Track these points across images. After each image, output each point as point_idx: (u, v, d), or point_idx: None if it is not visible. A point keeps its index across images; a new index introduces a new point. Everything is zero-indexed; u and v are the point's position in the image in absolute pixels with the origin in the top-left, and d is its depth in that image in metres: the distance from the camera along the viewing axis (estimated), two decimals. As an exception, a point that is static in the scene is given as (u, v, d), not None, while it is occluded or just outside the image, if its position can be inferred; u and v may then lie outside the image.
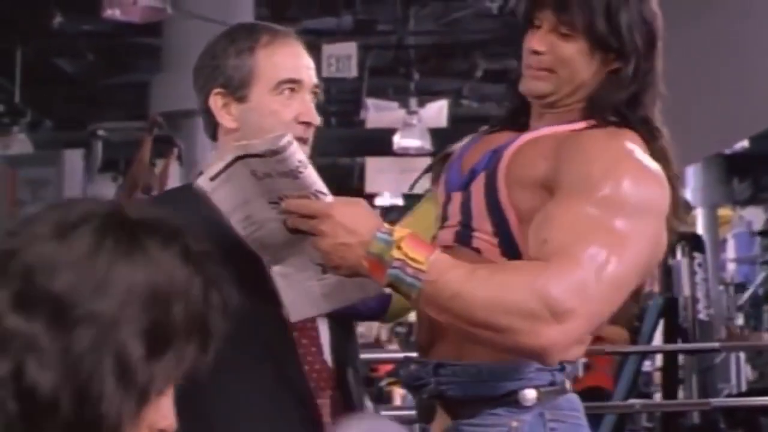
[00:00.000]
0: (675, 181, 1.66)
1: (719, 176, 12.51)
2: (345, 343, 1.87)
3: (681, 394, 5.68)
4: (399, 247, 1.44)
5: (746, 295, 11.57)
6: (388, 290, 1.55)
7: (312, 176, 1.48)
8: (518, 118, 1.77)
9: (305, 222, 1.49)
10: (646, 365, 7.15)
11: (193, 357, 0.91)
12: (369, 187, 11.29)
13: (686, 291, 5.64)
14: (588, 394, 5.29)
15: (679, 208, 1.68)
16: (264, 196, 1.51)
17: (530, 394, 1.61)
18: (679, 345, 5.58)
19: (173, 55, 6.31)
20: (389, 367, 8.01)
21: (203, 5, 5.91)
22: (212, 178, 1.52)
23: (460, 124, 10.30)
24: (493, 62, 9.59)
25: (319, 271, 1.54)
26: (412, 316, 1.91)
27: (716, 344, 5.25)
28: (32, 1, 7.95)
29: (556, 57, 1.67)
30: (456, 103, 10.77)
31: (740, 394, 6.91)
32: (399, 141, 9.75)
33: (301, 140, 1.84)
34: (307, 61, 1.85)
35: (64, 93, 10.51)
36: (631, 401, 5.12)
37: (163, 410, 0.90)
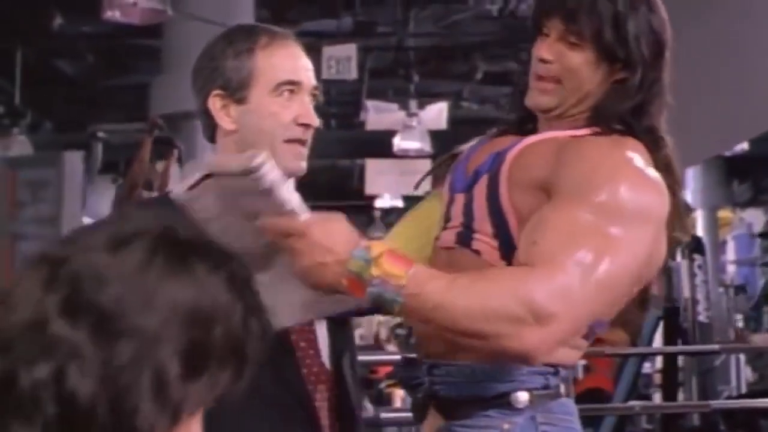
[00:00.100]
0: (677, 191, 1.66)
1: (719, 178, 12.51)
2: (343, 345, 1.87)
3: (681, 395, 5.68)
4: (377, 264, 1.42)
5: (753, 301, 11.55)
6: None
7: (287, 194, 1.46)
8: (526, 124, 1.78)
9: (281, 241, 1.48)
10: (646, 367, 7.15)
11: (227, 382, 0.92)
12: (369, 189, 11.28)
13: (686, 293, 5.63)
14: (588, 395, 5.30)
15: (680, 218, 1.68)
16: (239, 211, 1.49)
17: (522, 397, 1.62)
18: (679, 347, 5.58)
19: (173, 57, 6.31)
20: (389, 368, 8.00)
21: (203, 7, 5.91)
22: (189, 189, 1.50)
23: (460, 126, 10.30)
24: (493, 64, 9.59)
25: (298, 283, 1.52)
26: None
27: (716, 346, 5.24)
28: (32, 2, 7.95)
29: (564, 66, 1.67)
30: (456, 105, 10.77)
31: (740, 396, 6.91)
32: (399, 143, 9.74)
33: (300, 142, 1.84)
34: (306, 63, 1.85)
35: (64, 94, 10.51)
36: (631, 403, 5.12)
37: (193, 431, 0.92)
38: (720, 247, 13.35)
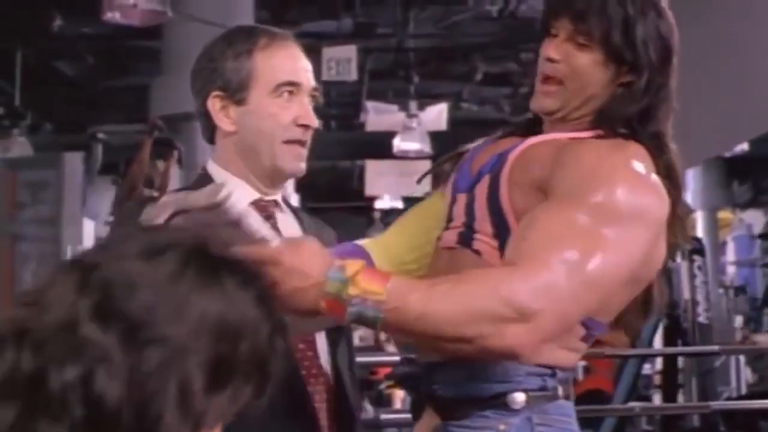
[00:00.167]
0: (678, 197, 1.66)
1: (719, 179, 12.50)
2: (342, 347, 1.87)
3: (681, 397, 5.68)
4: (354, 283, 1.40)
5: (758, 302, 11.53)
6: None
7: (255, 223, 1.45)
8: (533, 126, 1.78)
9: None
10: (646, 368, 7.15)
11: (248, 397, 0.93)
12: (369, 190, 11.28)
13: (686, 294, 5.64)
14: (588, 396, 5.30)
15: (682, 224, 1.68)
16: None
17: (519, 398, 1.62)
18: (679, 348, 5.58)
19: (173, 58, 6.31)
20: (389, 370, 7.99)
21: (203, 8, 5.90)
22: None
23: (459, 127, 10.31)
24: (493, 65, 9.59)
25: None
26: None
27: (716, 347, 5.24)
28: (32, 3, 7.95)
29: (570, 66, 1.68)
30: (456, 106, 10.77)
31: (740, 397, 6.91)
32: (399, 144, 9.74)
33: (300, 143, 1.84)
34: (305, 64, 1.85)
35: (64, 96, 10.51)
36: (631, 404, 5.12)
37: None
38: (720, 248, 13.34)
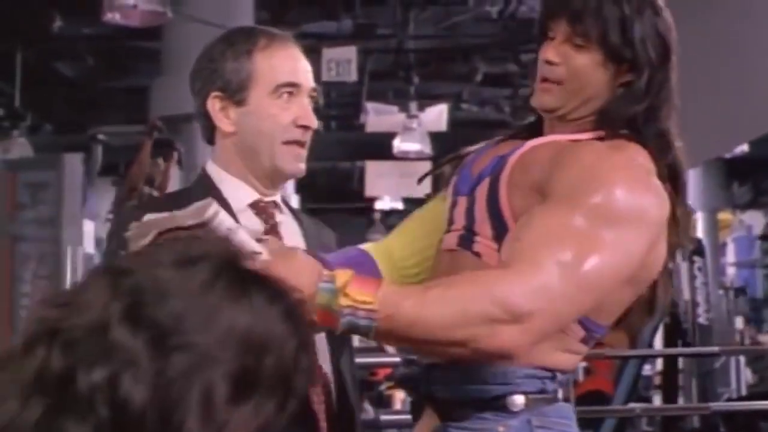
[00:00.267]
0: (680, 198, 1.66)
1: (719, 180, 12.49)
2: (342, 348, 1.87)
3: (681, 398, 5.67)
4: (345, 294, 1.40)
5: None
6: None
7: (243, 238, 1.45)
8: (534, 130, 1.78)
9: None
10: (646, 369, 7.15)
11: (271, 412, 0.93)
12: (369, 191, 11.27)
13: (686, 295, 5.63)
14: (588, 398, 5.30)
15: (682, 223, 1.68)
16: None
17: (518, 400, 1.62)
18: (679, 349, 5.57)
19: (173, 59, 6.30)
20: (389, 370, 8.00)
21: (203, 9, 5.90)
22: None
23: (460, 128, 10.31)
24: (493, 66, 9.58)
25: None
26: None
27: (716, 348, 5.24)
28: (32, 4, 7.95)
29: (569, 68, 1.68)
30: (456, 106, 10.76)
31: (740, 398, 6.90)
32: (399, 145, 9.73)
33: (299, 144, 1.84)
34: (305, 65, 1.85)
35: (64, 96, 10.50)
36: (631, 405, 5.11)
37: None
38: (720, 249, 13.32)
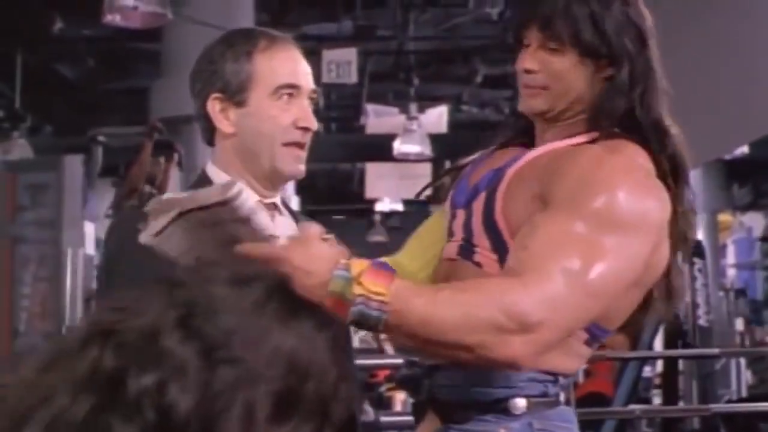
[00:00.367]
0: (681, 193, 1.66)
1: (719, 182, 12.49)
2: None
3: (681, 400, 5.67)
4: (359, 283, 1.40)
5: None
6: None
7: (264, 220, 1.46)
8: (526, 133, 1.78)
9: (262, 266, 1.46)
10: (647, 371, 7.14)
11: None
12: (369, 193, 11.28)
13: (686, 297, 5.62)
14: (588, 399, 5.30)
15: (685, 219, 1.67)
16: (213, 241, 1.46)
17: (520, 403, 1.62)
18: (680, 351, 5.57)
19: (173, 61, 6.31)
20: (389, 372, 7.99)
21: (203, 11, 5.90)
22: (156, 234, 1.46)
23: (460, 130, 10.31)
24: (493, 68, 9.58)
25: None
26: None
27: (716, 350, 5.24)
28: (33, 6, 7.95)
29: (549, 73, 1.68)
30: (456, 108, 10.76)
31: (740, 400, 6.90)
32: (399, 146, 9.73)
33: (299, 145, 1.84)
34: (305, 67, 1.85)
35: (65, 98, 10.51)
36: (632, 407, 5.11)
37: None
38: (720, 250, 13.32)
